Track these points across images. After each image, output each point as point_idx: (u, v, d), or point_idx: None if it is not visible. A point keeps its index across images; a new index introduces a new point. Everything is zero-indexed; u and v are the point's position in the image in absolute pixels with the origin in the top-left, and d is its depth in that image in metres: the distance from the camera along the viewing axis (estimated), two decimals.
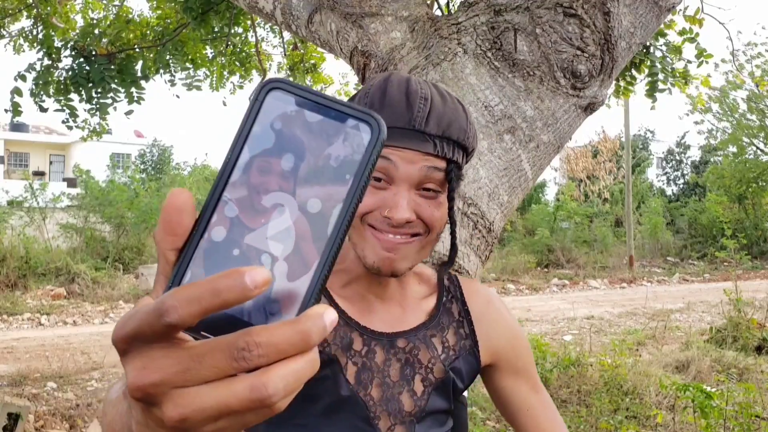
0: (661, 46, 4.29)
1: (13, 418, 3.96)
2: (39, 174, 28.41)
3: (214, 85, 5.52)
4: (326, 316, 0.35)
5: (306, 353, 0.35)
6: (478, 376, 1.09)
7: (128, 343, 0.36)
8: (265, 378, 0.34)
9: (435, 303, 1.03)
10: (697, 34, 4.26)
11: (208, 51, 5.30)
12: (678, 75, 4.41)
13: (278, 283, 0.37)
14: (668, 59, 4.26)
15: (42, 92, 4.52)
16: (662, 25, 3.80)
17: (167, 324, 0.34)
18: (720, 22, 4.51)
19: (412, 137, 0.88)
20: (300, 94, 0.39)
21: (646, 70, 4.11)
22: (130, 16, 5.14)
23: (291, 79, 6.20)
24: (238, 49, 5.47)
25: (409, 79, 0.92)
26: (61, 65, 4.61)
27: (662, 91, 4.20)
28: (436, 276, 1.07)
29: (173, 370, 0.35)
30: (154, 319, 0.34)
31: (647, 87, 4.19)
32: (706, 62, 4.36)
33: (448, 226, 1.00)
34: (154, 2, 5.20)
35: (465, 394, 1.69)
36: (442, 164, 0.89)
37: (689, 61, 4.46)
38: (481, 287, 1.10)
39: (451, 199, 0.92)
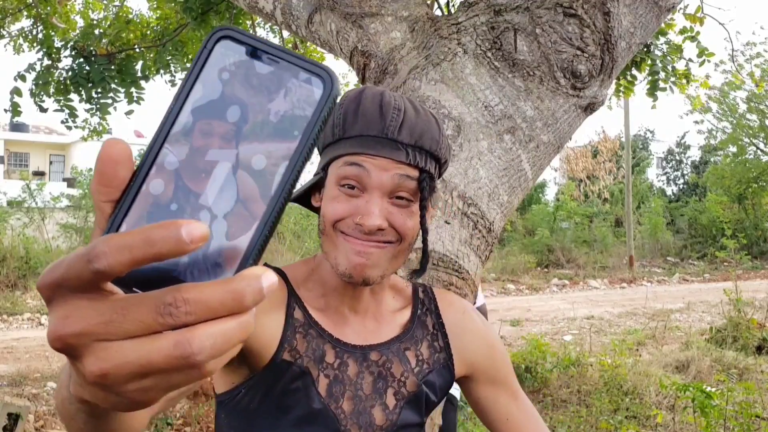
0: (661, 45, 4.29)
1: (13, 418, 3.96)
2: (39, 174, 28.42)
3: None
4: (264, 278, 0.34)
5: (238, 315, 0.34)
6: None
7: (54, 290, 0.34)
8: (190, 335, 0.32)
9: (409, 316, 1.03)
10: (698, 33, 4.26)
11: None
12: (679, 75, 4.41)
13: (216, 241, 0.35)
14: (669, 58, 4.26)
15: (42, 92, 4.52)
16: (663, 24, 3.80)
17: (95, 270, 0.32)
18: (720, 23, 4.51)
19: (385, 145, 0.89)
20: (251, 44, 0.37)
21: (647, 69, 4.11)
22: (130, 16, 5.14)
23: None
24: None
25: (383, 92, 0.93)
26: (61, 65, 4.61)
27: (663, 90, 4.20)
28: (410, 288, 1.07)
29: (96, 321, 0.33)
30: (82, 265, 0.33)
31: (648, 86, 4.19)
32: (708, 61, 4.36)
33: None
34: (154, 2, 5.20)
35: (456, 394, 1.67)
36: (415, 173, 0.90)
37: (690, 60, 4.46)
38: (455, 299, 1.10)
39: (423, 208, 0.92)
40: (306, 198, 1.02)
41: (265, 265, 0.95)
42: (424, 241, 0.98)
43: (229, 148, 0.36)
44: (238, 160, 0.36)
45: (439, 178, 0.98)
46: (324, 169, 0.95)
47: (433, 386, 1.00)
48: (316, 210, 1.00)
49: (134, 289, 0.35)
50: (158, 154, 0.36)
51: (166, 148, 0.36)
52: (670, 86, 4.24)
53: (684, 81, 4.46)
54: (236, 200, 0.35)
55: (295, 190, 1.07)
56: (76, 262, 0.33)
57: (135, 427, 0.56)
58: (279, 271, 0.98)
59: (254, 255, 0.35)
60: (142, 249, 0.32)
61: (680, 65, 4.45)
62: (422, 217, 0.93)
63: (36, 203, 15.01)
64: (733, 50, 5.40)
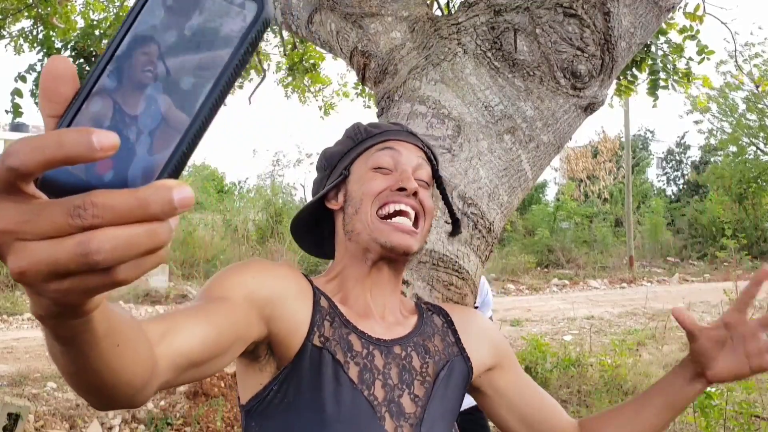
0: (662, 44, 4.29)
1: (13, 418, 3.96)
2: None
3: None
4: (176, 191, 0.35)
5: (147, 223, 0.35)
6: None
7: None
8: (92, 235, 0.34)
9: (417, 318, 1.09)
10: (698, 31, 4.26)
11: None
12: (680, 73, 4.41)
13: (140, 157, 0.37)
14: (669, 57, 4.26)
15: None
16: (663, 24, 3.80)
17: (8, 167, 0.34)
18: (722, 22, 4.50)
19: (407, 135, 1.09)
20: None
21: (647, 69, 4.11)
22: None
23: (290, 79, 6.20)
24: None
25: None
26: None
27: (664, 88, 4.19)
28: (414, 303, 1.16)
29: (15, 220, 0.35)
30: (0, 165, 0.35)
31: (648, 85, 4.19)
32: (708, 59, 4.35)
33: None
34: None
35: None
36: (428, 164, 1.08)
37: (690, 59, 4.45)
38: (456, 305, 1.25)
39: (440, 185, 1.12)
40: (309, 221, 1.14)
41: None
42: (449, 206, 1.18)
43: (161, 70, 0.38)
44: (168, 81, 0.38)
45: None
46: (347, 168, 1.06)
47: (452, 373, 1.05)
48: (323, 223, 1.13)
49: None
50: (100, 76, 0.38)
51: (109, 68, 0.38)
52: (671, 85, 4.24)
53: (686, 80, 4.46)
54: (161, 118, 0.38)
55: (309, 200, 1.12)
56: None
57: (125, 373, 0.56)
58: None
59: (170, 168, 0.37)
60: (53, 150, 0.34)
61: (681, 64, 4.45)
62: (443, 192, 1.13)
63: None
64: (735, 49, 5.38)
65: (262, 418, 0.95)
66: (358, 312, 1.02)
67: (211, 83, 0.38)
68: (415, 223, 1.01)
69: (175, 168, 0.38)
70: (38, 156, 0.34)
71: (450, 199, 1.12)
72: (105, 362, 0.52)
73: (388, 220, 0.99)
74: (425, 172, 1.06)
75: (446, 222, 1.70)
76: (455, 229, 1.25)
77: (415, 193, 1.00)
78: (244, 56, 0.39)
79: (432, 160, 1.10)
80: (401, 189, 1.00)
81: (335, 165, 1.09)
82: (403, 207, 1.00)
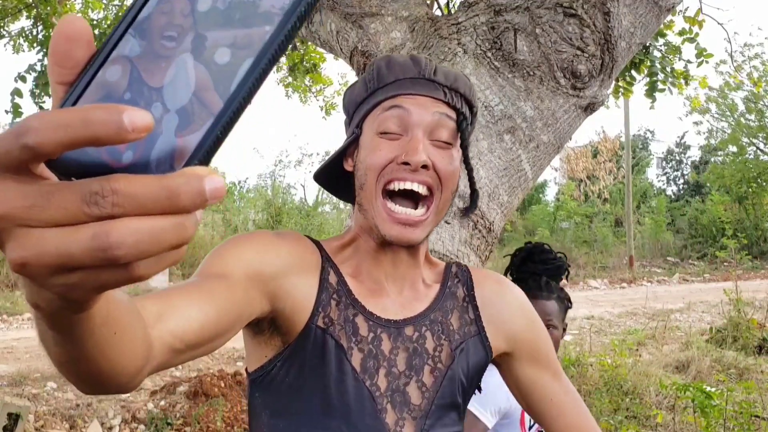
0: (660, 46, 4.29)
1: (13, 418, 3.96)
2: None
3: None
4: (208, 180, 0.31)
5: (173, 216, 0.31)
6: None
7: None
8: (110, 226, 0.30)
9: (438, 289, 0.99)
10: (697, 35, 4.27)
11: None
12: (678, 75, 4.41)
13: (166, 138, 0.32)
14: (668, 59, 4.26)
15: (42, 93, 4.52)
16: (662, 26, 3.80)
17: (23, 145, 0.29)
18: (719, 23, 4.51)
19: (423, 84, 0.91)
20: None
21: (646, 71, 4.11)
22: None
23: (290, 80, 6.20)
24: None
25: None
26: None
27: (662, 90, 4.20)
28: (443, 264, 1.05)
29: (20, 204, 0.30)
30: (12, 139, 0.30)
31: (647, 87, 4.19)
32: (706, 62, 4.36)
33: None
34: None
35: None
36: (453, 114, 0.91)
37: (689, 61, 4.46)
38: (492, 273, 1.06)
39: (464, 148, 0.93)
40: (332, 172, 1.00)
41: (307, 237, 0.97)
42: (471, 179, 1.00)
43: (193, 39, 0.33)
44: (202, 53, 0.33)
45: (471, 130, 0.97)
46: (359, 126, 0.93)
47: (466, 357, 0.96)
48: (342, 187, 1.01)
49: (73, 179, 0.32)
50: (120, 40, 0.33)
51: (130, 34, 0.33)
52: (669, 87, 4.25)
53: (682, 81, 4.46)
54: (192, 95, 0.33)
55: (325, 161, 1.01)
56: (6, 136, 0.30)
57: (120, 360, 0.52)
58: (313, 239, 0.96)
59: (202, 154, 0.33)
60: (77, 129, 0.29)
61: (679, 65, 4.45)
62: (466, 157, 0.94)
63: None
64: (732, 50, 5.40)
65: (266, 392, 0.91)
66: (370, 288, 0.94)
67: (251, 60, 0.33)
68: (427, 199, 0.88)
69: (206, 154, 0.33)
70: (60, 135, 0.29)
71: (472, 169, 0.96)
72: (101, 351, 0.48)
73: (390, 207, 0.87)
74: (446, 131, 0.89)
75: (446, 222, 1.70)
76: (472, 205, 1.03)
77: (425, 165, 0.86)
78: (291, 32, 0.33)
79: (459, 107, 0.92)
80: (406, 163, 0.86)
81: (352, 115, 0.97)
82: (408, 185, 0.87)
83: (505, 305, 1.01)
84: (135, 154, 0.32)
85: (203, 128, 0.33)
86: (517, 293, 1.04)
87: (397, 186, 0.87)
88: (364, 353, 0.90)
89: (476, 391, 1.01)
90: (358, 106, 0.94)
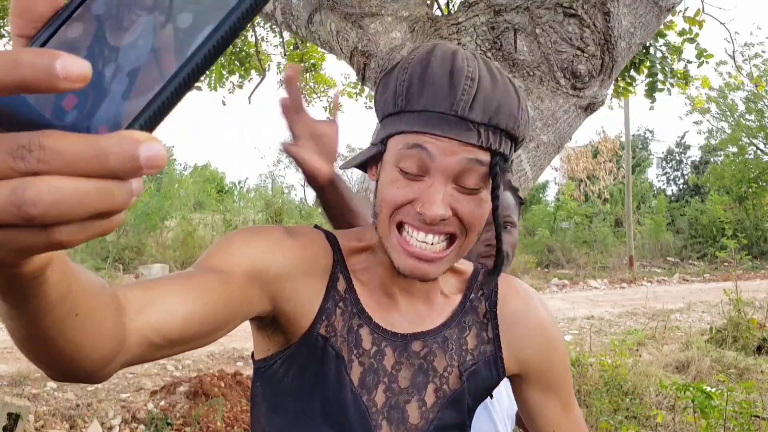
0: (660, 46, 4.29)
1: (13, 418, 3.96)
2: None
3: (213, 85, 5.52)
4: (145, 147, 0.29)
5: (101, 179, 0.29)
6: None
7: None
8: (29, 182, 0.28)
9: (459, 303, 0.93)
10: (697, 35, 4.27)
11: None
12: (678, 75, 4.42)
13: (113, 99, 0.31)
14: (668, 59, 4.26)
15: None
16: (662, 26, 3.80)
17: None
18: (721, 23, 4.51)
19: (454, 125, 0.77)
20: None
21: (646, 71, 4.12)
22: None
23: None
24: (237, 49, 5.47)
25: (456, 52, 0.80)
26: None
27: (661, 90, 4.20)
28: (471, 269, 0.97)
29: None
30: None
31: (646, 87, 4.19)
32: (707, 62, 4.37)
33: None
34: None
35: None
36: (486, 157, 0.78)
37: (689, 62, 4.46)
38: (522, 286, 0.98)
39: (495, 198, 0.80)
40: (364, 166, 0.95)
41: (315, 227, 0.92)
42: (498, 235, 0.86)
43: (158, 1, 0.32)
44: (166, 15, 0.32)
45: (515, 152, 0.86)
46: (383, 142, 0.84)
47: (476, 381, 0.91)
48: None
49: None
50: None
51: None
52: (668, 87, 4.25)
53: (683, 81, 4.46)
54: (147, 58, 0.31)
55: (352, 159, 0.99)
56: None
57: (84, 346, 0.51)
58: (330, 236, 0.90)
59: (143, 119, 0.31)
60: (6, 69, 0.27)
61: (679, 66, 4.45)
62: (495, 209, 0.81)
63: None
64: (734, 50, 5.39)
65: (267, 385, 0.89)
66: (380, 299, 0.89)
67: (212, 27, 0.32)
68: (448, 242, 0.80)
69: (149, 120, 0.31)
70: None
71: (500, 224, 0.83)
72: (59, 332, 0.46)
73: (406, 238, 0.80)
74: (474, 176, 0.78)
75: None
76: (496, 267, 0.89)
77: (443, 218, 0.77)
78: (256, 3, 0.32)
79: (496, 148, 0.78)
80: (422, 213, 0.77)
81: (381, 120, 0.86)
82: (422, 237, 0.79)
83: (527, 328, 0.95)
84: (80, 114, 0.31)
85: (151, 92, 0.31)
86: (542, 316, 0.97)
87: (410, 235, 0.80)
88: (365, 367, 0.86)
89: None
90: (385, 117, 0.84)
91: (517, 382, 0.98)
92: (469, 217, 0.79)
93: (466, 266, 0.97)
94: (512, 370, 0.95)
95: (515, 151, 0.85)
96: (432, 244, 0.79)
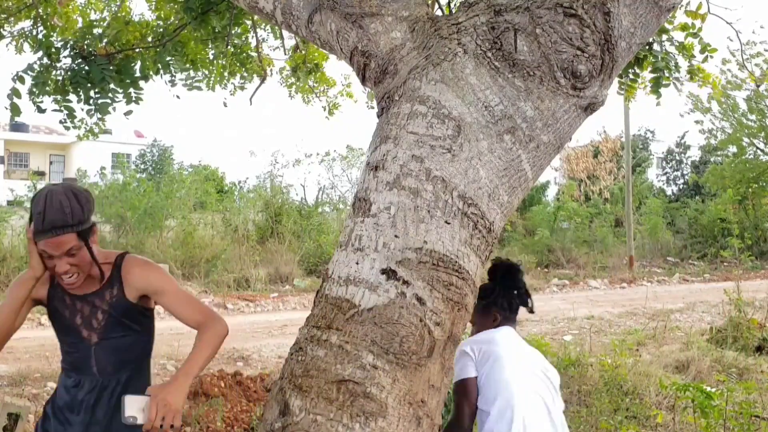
0: (663, 42, 4.27)
1: (13, 418, 3.96)
2: (39, 174, 28.42)
3: (212, 85, 5.51)
4: None
5: None
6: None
7: None
8: None
9: (108, 277, 2.09)
10: (700, 29, 4.24)
11: (210, 52, 5.28)
12: (685, 70, 4.39)
13: None
14: (671, 55, 4.24)
15: (40, 93, 4.50)
16: (664, 23, 3.79)
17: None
18: (728, 22, 4.49)
19: (45, 233, 1.91)
20: None
21: (650, 67, 4.11)
22: (129, 17, 5.12)
23: (293, 80, 6.21)
24: (238, 50, 5.46)
25: (46, 194, 1.94)
26: (59, 65, 4.60)
27: (666, 86, 4.18)
28: (114, 260, 2.13)
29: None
30: None
31: (651, 83, 4.18)
32: (711, 56, 4.34)
33: None
34: (153, 3, 5.19)
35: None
36: (68, 237, 1.92)
37: (693, 56, 4.44)
38: (135, 259, 2.16)
39: (89, 248, 2.00)
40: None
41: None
42: (99, 267, 2.07)
43: None
44: None
45: (86, 221, 1.97)
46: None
47: (119, 307, 2.10)
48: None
49: None
50: None
51: None
52: (674, 82, 4.22)
53: (689, 77, 4.44)
54: None
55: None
56: None
57: None
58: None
59: None
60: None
61: (684, 62, 4.43)
62: (89, 249, 2.00)
63: None
64: (741, 48, 5.37)
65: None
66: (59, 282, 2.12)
67: None
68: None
69: None
70: None
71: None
72: None
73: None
74: (67, 245, 1.93)
75: (446, 222, 1.70)
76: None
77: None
78: None
79: (62, 232, 1.91)
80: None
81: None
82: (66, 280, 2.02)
83: (134, 276, 2.16)
84: None
85: None
86: (143, 266, 2.19)
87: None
88: (69, 309, 2.12)
89: None
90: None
91: (148, 302, 2.20)
92: (80, 264, 2.01)
93: (113, 258, 2.17)
94: (135, 296, 2.15)
95: (87, 220, 2.03)
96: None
